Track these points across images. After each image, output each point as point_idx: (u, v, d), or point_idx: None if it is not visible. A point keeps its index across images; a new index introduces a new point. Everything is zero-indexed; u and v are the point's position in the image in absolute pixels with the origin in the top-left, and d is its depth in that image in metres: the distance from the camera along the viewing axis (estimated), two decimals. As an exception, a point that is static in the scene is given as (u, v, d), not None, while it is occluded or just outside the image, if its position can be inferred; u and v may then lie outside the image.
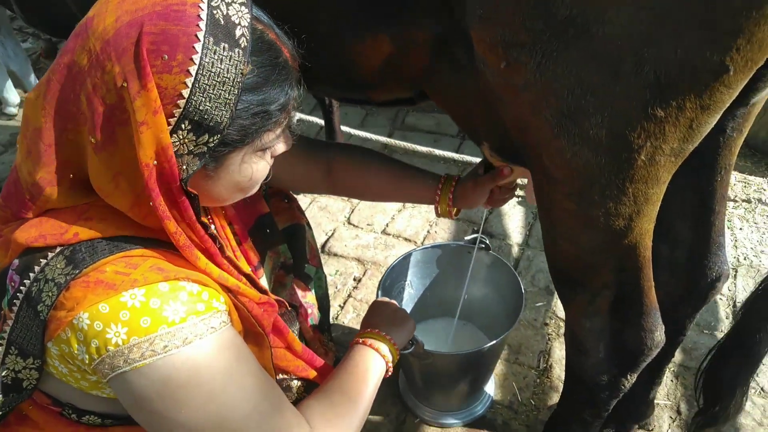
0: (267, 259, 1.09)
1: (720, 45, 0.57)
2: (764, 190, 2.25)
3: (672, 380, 1.61)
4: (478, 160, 2.27)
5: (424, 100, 1.03)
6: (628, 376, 1.00)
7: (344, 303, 1.91)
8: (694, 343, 1.70)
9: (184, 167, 0.67)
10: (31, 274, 0.68)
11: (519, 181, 1.20)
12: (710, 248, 1.06)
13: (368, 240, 2.16)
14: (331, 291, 1.88)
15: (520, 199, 2.31)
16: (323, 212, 2.31)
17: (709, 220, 1.03)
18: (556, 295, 1.88)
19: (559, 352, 1.70)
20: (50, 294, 0.67)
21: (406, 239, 2.16)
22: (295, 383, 0.96)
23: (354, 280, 2.00)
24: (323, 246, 2.14)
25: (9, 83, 2.93)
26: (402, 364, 1.57)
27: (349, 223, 2.26)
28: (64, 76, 0.67)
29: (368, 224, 2.24)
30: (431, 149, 2.29)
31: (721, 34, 0.56)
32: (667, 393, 1.58)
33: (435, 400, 1.52)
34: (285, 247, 1.12)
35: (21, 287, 0.68)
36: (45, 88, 0.68)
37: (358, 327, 1.76)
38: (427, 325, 1.68)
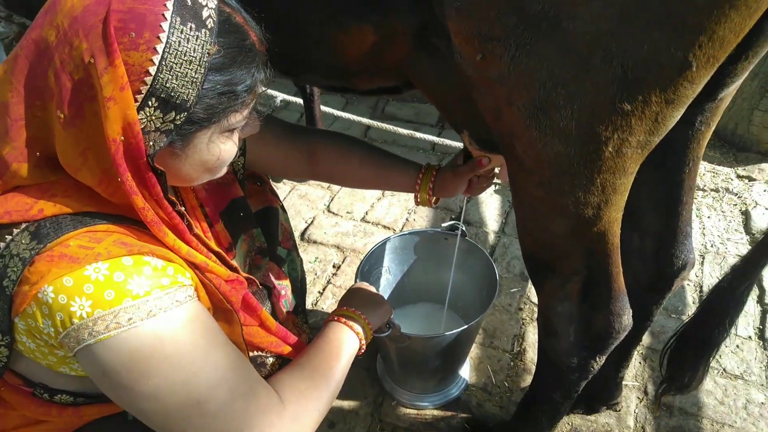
0: (241, 242, 1.09)
1: (683, 42, 0.59)
2: (731, 180, 2.33)
3: (640, 362, 1.67)
4: (456, 144, 2.30)
5: (409, 89, 1.05)
6: (597, 359, 1.04)
7: (323, 289, 1.93)
8: (662, 327, 1.76)
9: (151, 143, 0.68)
10: None
11: (496, 170, 1.23)
12: (677, 237, 1.10)
13: (348, 228, 2.18)
14: (310, 278, 1.90)
15: (496, 187, 2.34)
16: (303, 200, 2.32)
17: (677, 210, 1.07)
18: (530, 281, 1.93)
19: (532, 336, 1.75)
20: (15, 269, 0.67)
21: (385, 227, 2.18)
22: (270, 360, 0.96)
23: (333, 267, 2.02)
24: (303, 233, 2.15)
25: None
26: (379, 348, 1.60)
27: (329, 211, 2.27)
28: (32, 52, 0.67)
29: (348, 212, 2.26)
30: (411, 132, 2.31)
31: (685, 31, 0.59)
32: (635, 374, 1.63)
33: (411, 383, 1.55)
34: (259, 232, 1.13)
35: None
36: (13, 64, 0.68)
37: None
38: (404, 310, 1.71)
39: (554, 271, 0.94)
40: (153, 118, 0.66)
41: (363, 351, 1.04)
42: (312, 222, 2.21)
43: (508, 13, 0.67)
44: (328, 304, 1.87)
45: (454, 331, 1.32)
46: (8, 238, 0.69)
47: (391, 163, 1.23)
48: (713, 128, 0.98)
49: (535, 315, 1.82)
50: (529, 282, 1.93)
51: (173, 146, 0.72)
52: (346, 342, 0.98)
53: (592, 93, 0.66)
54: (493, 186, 2.35)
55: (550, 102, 0.69)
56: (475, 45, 0.73)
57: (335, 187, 2.38)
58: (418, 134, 2.34)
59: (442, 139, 2.37)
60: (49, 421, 0.84)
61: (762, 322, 1.76)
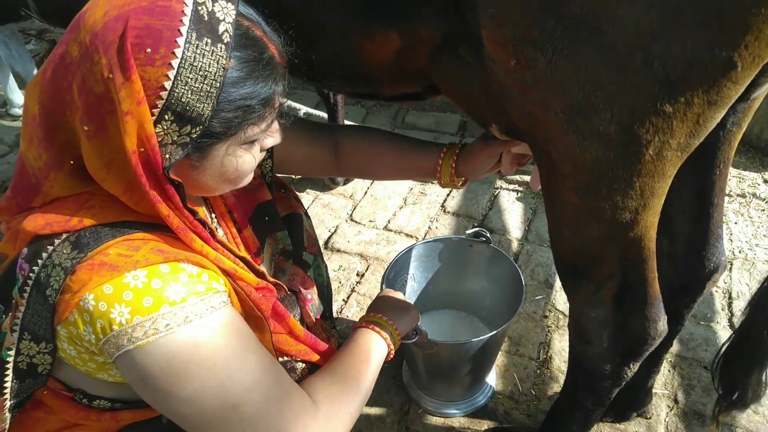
0: (266, 246, 1.11)
1: (728, 41, 0.59)
2: (758, 184, 2.29)
3: (669, 370, 1.64)
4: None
5: (432, 95, 1.05)
6: (631, 365, 1.03)
7: (348, 297, 1.93)
8: (691, 335, 1.73)
9: (167, 156, 0.69)
10: (39, 261, 0.70)
11: (528, 167, 1.17)
12: (709, 240, 1.09)
13: (370, 236, 2.18)
14: (334, 286, 1.90)
15: (519, 194, 2.33)
16: (326, 209, 2.33)
17: (708, 213, 1.05)
18: (555, 288, 1.91)
19: (558, 343, 1.73)
20: (58, 278, 0.69)
21: (407, 235, 2.18)
22: (300, 365, 0.97)
23: (357, 275, 2.02)
24: (326, 242, 2.16)
25: (13, 84, 2.94)
26: (406, 355, 1.60)
27: (352, 219, 2.28)
28: (58, 65, 0.70)
29: (370, 221, 2.26)
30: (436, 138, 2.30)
31: (730, 30, 0.58)
32: (664, 383, 1.61)
33: (438, 391, 1.54)
34: (284, 234, 1.14)
35: (30, 274, 0.71)
36: (41, 77, 0.71)
37: (361, 320, 1.78)
38: (430, 317, 1.70)
39: (588, 276, 0.93)
40: (169, 131, 0.68)
41: (392, 357, 1.04)
42: (335, 231, 2.22)
43: (545, 17, 0.67)
44: (353, 312, 1.87)
45: (482, 337, 1.31)
46: (50, 248, 0.71)
47: (414, 146, 1.20)
48: (744, 129, 0.97)
49: (561, 322, 1.80)
50: (554, 289, 1.91)
51: (190, 158, 0.73)
52: (375, 348, 0.98)
53: (632, 95, 0.66)
54: (515, 193, 2.34)
55: (588, 105, 0.69)
56: (510, 50, 0.73)
57: (357, 196, 2.39)
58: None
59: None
60: (87, 425, 0.86)
61: (795, 329, 1.73)
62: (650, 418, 1.51)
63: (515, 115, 0.82)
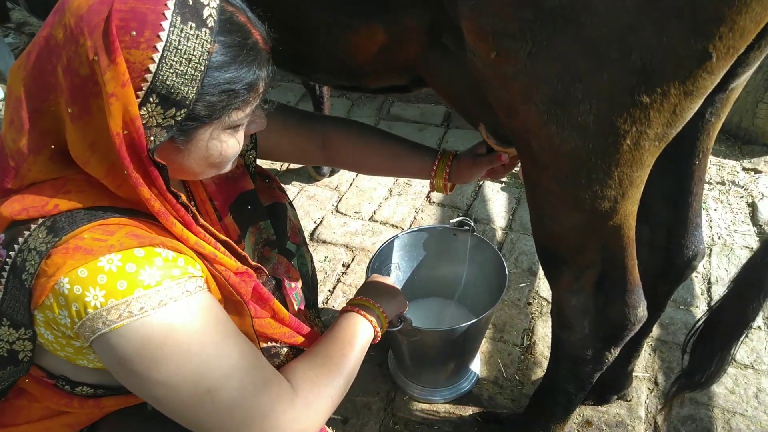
0: (249, 234, 1.11)
1: (703, 33, 0.60)
2: (737, 172, 2.33)
3: (650, 353, 1.68)
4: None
5: (418, 87, 1.05)
6: (612, 350, 1.05)
7: (333, 288, 1.94)
8: (671, 319, 1.77)
9: (152, 138, 0.70)
10: (16, 246, 0.70)
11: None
12: (688, 228, 1.11)
13: (356, 227, 2.19)
14: (320, 276, 1.91)
15: (503, 184, 2.35)
16: (311, 201, 2.32)
17: (687, 202, 1.07)
18: (538, 276, 1.94)
19: (541, 330, 1.76)
20: (33, 263, 0.69)
21: (393, 225, 2.19)
22: (284, 350, 0.97)
23: (343, 265, 2.03)
24: (312, 233, 2.16)
25: None
26: (391, 343, 1.61)
27: (337, 211, 2.28)
28: (43, 48, 0.70)
29: (356, 212, 2.26)
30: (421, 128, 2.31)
31: (705, 22, 0.59)
32: (645, 366, 1.64)
33: (423, 378, 1.56)
34: (267, 224, 1.14)
35: (7, 259, 0.71)
36: (26, 60, 0.71)
37: (347, 310, 1.79)
38: (415, 305, 1.72)
39: (569, 263, 0.95)
40: (154, 114, 0.68)
41: (378, 340, 1.04)
42: (321, 222, 2.22)
43: (523, 9, 0.68)
44: (339, 303, 1.88)
45: (464, 324, 1.33)
46: (26, 233, 0.71)
47: (406, 150, 1.23)
48: (723, 119, 0.98)
49: (544, 309, 1.83)
50: (538, 277, 1.94)
51: (175, 141, 0.74)
52: (360, 330, 0.99)
53: (610, 86, 0.67)
54: (499, 183, 2.36)
55: (567, 97, 0.70)
56: (490, 42, 0.73)
57: (343, 188, 2.39)
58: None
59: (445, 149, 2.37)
60: (71, 413, 0.86)
61: (770, 312, 1.77)
62: (630, 400, 1.54)
63: (496, 106, 0.83)
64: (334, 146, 1.22)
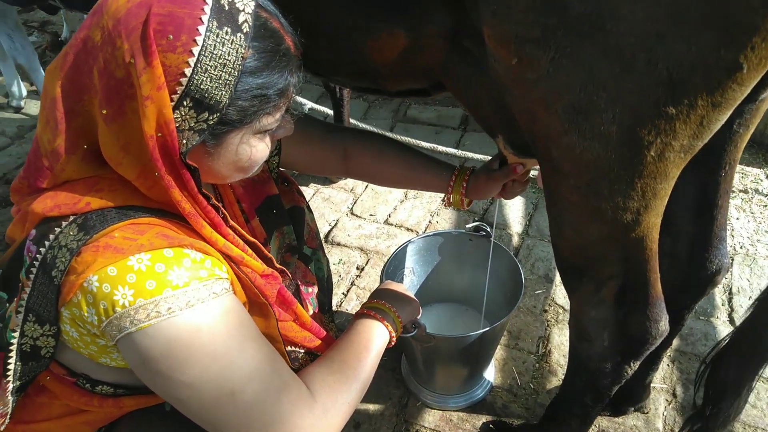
0: (273, 238, 1.11)
1: (735, 43, 0.58)
2: (761, 180, 2.28)
3: (668, 365, 1.64)
4: (476, 156, 2.29)
5: (438, 91, 1.04)
6: (631, 364, 1.02)
7: (347, 291, 1.93)
8: (690, 329, 1.74)
9: (184, 141, 0.70)
10: (47, 242, 0.71)
11: (532, 173, 1.22)
12: (712, 242, 1.08)
13: (371, 230, 2.18)
14: (334, 279, 1.90)
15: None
16: (326, 203, 2.32)
17: (712, 214, 1.05)
18: (554, 283, 1.91)
19: (557, 337, 1.73)
20: (63, 260, 0.70)
21: (408, 229, 2.18)
22: (301, 353, 0.98)
23: (357, 268, 2.02)
24: (327, 236, 2.16)
25: (16, 76, 2.92)
26: (404, 349, 1.60)
27: (352, 213, 2.27)
28: (80, 50, 0.71)
29: (371, 215, 2.26)
30: (434, 145, 2.31)
31: (737, 32, 0.57)
32: (663, 377, 1.61)
33: (436, 384, 1.55)
34: (290, 229, 1.15)
35: (37, 255, 0.72)
36: (62, 61, 0.72)
37: (361, 314, 1.78)
38: (429, 310, 1.70)
39: (589, 275, 0.93)
40: (187, 117, 0.69)
41: (393, 344, 1.03)
42: (336, 224, 2.22)
43: (547, 15, 0.66)
44: (353, 306, 1.87)
45: (479, 331, 1.31)
46: (57, 230, 0.72)
47: (424, 165, 1.24)
48: (752, 130, 0.96)
49: (560, 317, 1.80)
50: (554, 284, 1.91)
51: (206, 145, 0.74)
52: (376, 334, 0.98)
53: (635, 96, 0.65)
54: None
55: (590, 105, 0.68)
56: (511, 48, 0.72)
57: (358, 190, 2.38)
58: (441, 147, 2.34)
59: (462, 152, 2.36)
60: (90, 411, 0.87)
61: (794, 325, 1.73)
62: (648, 412, 1.51)
63: (517, 113, 0.81)
64: (353, 158, 1.22)
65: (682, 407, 1.53)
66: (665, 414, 1.52)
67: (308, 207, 1.29)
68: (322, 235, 2.14)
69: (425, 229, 2.17)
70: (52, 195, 0.74)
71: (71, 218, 0.72)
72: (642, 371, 1.37)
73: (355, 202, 2.32)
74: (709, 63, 0.60)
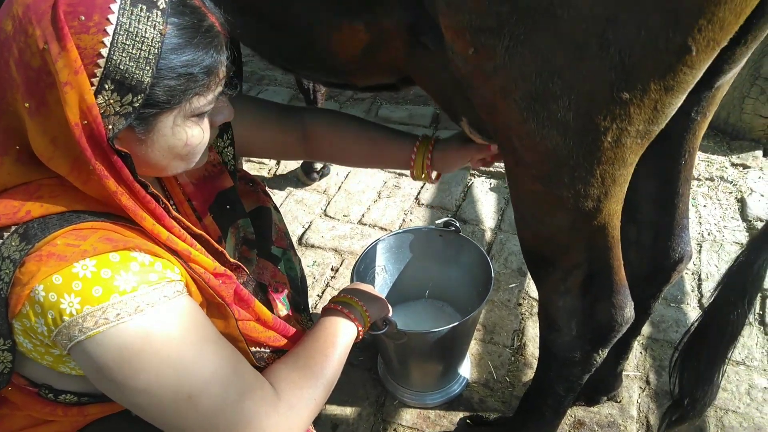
0: (229, 235, 1.09)
1: (682, 25, 0.58)
2: (726, 168, 2.33)
3: (641, 352, 1.66)
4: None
5: (407, 86, 1.04)
6: (600, 352, 1.03)
7: (322, 293, 1.91)
8: (662, 316, 1.76)
9: (110, 127, 0.68)
10: None
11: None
12: (674, 230, 1.10)
13: (344, 230, 2.16)
14: (309, 282, 1.89)
15: (492, 184, 2.34)
16: (299, 205, 2.30)
17: (674, 203, 1.06)
18: (528, 276, 1.92)
19: (532, 330, 1.74)
20: (7, 271, 0.67)
21: (382, 228, 2.17)
22: (267, 352, 0.95)
23: (331, 269, 2.01)
24: (300, 238, 2.14)
25: None
26: (379, 348, 1.59)
27: (326, 214, 2.26)
28: None
29: (344, 215, 2.24)
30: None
31: (683, 14, 0.58)
32: (636, 365, 1.63)
33: (412, 382, 1.54)
34: (246, 221, 1.11)
35: None
36: None
37: (335, 314, 1.76)
38: (403, 307, 1.70)
39: (555, 265, 0.93)
40: (111, 101, 0.67)
41: (360, 338, 1.02)
42: (309, 226, 2.20)
43: (500, 3, 0.66)
44: (327, 306, 1.85)
45: (449, 326, 1.31)
46: None
47: (386, 138, 1.20)
48: (710, 118, 0.97)
49: (534, 310, 1.81)
50: (527, 277, 1.92)
51: (136, 131, 0.72)
52: (343, 329, 0.97)
53: (589, 82, 0.65)
54: (488, 183, 2.34)
55: (546, 93, 0.68)
56: (467, 38, 0.72)
57: (331, 191, 2.37)
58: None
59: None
60: (55, 421, 0.84)
61: (762, 307, 1.76)
62: (621, 401, 1.52)
63: (477, 104, 0.81)
64: (313, 137, 1.19)
65: (656, 394, 1.55)
66: (639, 401, 1.54)
67: (275, 207, 1.27)
68: (295, 238, 2.12)
69: (399, 228, 2.16)
70: None
71: (12, 229, 0.69)
72: (613, 360, 1.39)
73: (328, 204, 2.30)
74: (659, 46, 0.60)
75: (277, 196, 2.32)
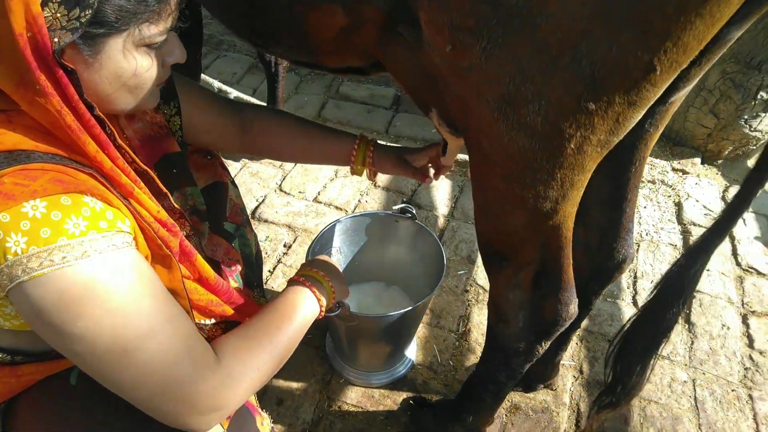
0: (174, 199, 1.07)
1: (650, 46, 0.62)
2: (667, 172, 2.45)
3: (577, 343, 1.75)
4: (408, 131, 2.29)
5: (377, 71, 1.03)
6: (543, 344, 1.09)
7: (274, 268, 1.91)
8: (598, 311, 1.86)
9: (56, 40, 0.66)
10: None
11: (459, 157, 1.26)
12: (620, 233, 1.16)
13: (299, 207, 2.15)
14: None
15: (448, 172, 2.37)
16: (254, 178, 2.27)
17: (622, 207, 1.11)
18: (476, 264, 1.98)
19: (477, 317, 1.80)
20: None
21: (337, 207, 2.17)
22: (209, 325, 0.94)
23: (284, 246, 2.00)
24: (254, 212, 2.11)
25: None
26: (329, 327, 1.61)
27: (281, 190, 2.24)
28: None
29: (300, 192, 2.23)
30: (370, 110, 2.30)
31: (653, 36, 0.61)
32: (571, 355, 1.72)
33: (360, 361, 1.57)
34: (196, 191, 1.09)
35: None
36: None
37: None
38: (356, 289, 1.72)
39: (509, 260, 0.97)
40: (58, 15, 0.65)
41: (322, 316, 1.03)
42: (263, 201, 2.17)
43: (481, 4, 0.67)
44: (278, 283, 1.85)
45: (401, 311, 1.34)
46: None
47: (324, 135, 1.24)
48: (661, 130, 1.02)
49: (481, 297, 1.87)
50: (476, 265, 1.98)
51: (83, 53, 0.70)
52: (304, 304, 0.97)
53: (559, 90, 0.68)
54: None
55: (518, 96, 0.70)
56: (446, 35, 0.73)
57: (288, 166, 2.34)
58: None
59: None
60: None
61: (688, 306, 1.89)
62: (556, 389, 1.61)
63: (450, 100, 0.83)
64: (252, 132, 1.20)
65: (588, 383, 1.65)
66: (572, 389, 1.63)
67: (232, 182, 1.25)
68: (249, 212, 2.09)
69: (354, 209, 2.17)
70: None
71: None
72: (551, 351, 1.46)
73: (284, 179, 2.28)
74: (628, 63, 0.64)
75: (231, 167, 2.28)
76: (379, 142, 1.26)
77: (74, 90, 0.69)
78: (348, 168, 1.28)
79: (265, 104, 2.28)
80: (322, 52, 0.99)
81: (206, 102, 1.14)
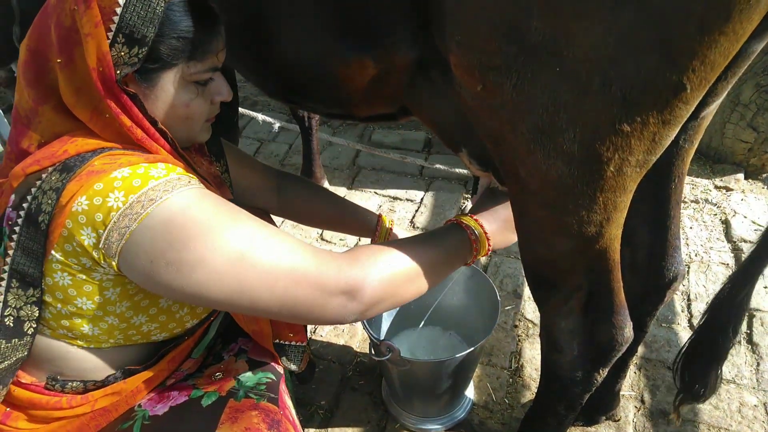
0: None
1: (678, 66, 0.63)
2: (710, 190, 2.41)
3: (635, 372, 1.70)
4: (442, 167, 2.32)
5: (407, 116, 1.08)
6: (600, 371, 1.06)
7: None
8: (654, 337, 1.80)
9: (118, 72, 0.78)
10: (29, 197, 0.78)
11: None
12: (667, 250, 1.15)
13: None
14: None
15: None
16: (296, 230, 2.32)
17: (666, 225, 1.11)
18: (523, 298, 1.96)
19: (529, 352, 1.77)
20: (49, 201, 0.76)
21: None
22: None
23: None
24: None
25: None
26: (383, 372, 1.61)
27: (322, 239, 2.29)
28: (41, 14, 0.83)
29: (340, 239, 2.27)
30: (402, 156, 2.37)
31: (679, 56, 0.63)
32: (631, 384, 1.66)
33: (415, 407, 1.56)
34: None
35: (20, 213, 0.77)
36: (30, 30, 0.84)
37: (333, 341, 1.79)
38: (411, 334, 1.72)
39: (557, 287, 0.97)
40: (122, 53, 0.78)
41: (472, 262, 1.06)
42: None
43: (508, 44, 0.70)
44: (326, 331, 1.87)
45: (457, 356, 1.33)
46: (38, 182, 0.78)
47: (352, 210, 1.37)
48: (696, 145, 1.03)
49: (531, 331, 1.84)
50: (523, 299, 1.96)
51: (140, 85, 0.83)
52: (456, 249, 1.02)
53: (593, 116, 0.70)
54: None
55: (553, 126, 0.72)
56: (476, 76, 0.76)
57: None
58: (409, 158, 2.39)
59: (430, 164, 2.41)
60: (61, 419, 0.90)
61: (749, 326, 1.82)
62: (619, 420, 1.55)
63: (483, 136, 0.85)
64: (286, 193, 1.31)
65: (651, 413, 1.59)
66: (635, 420, 1.57)
67: None
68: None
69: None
70: (30, 156, 0.81)
71: (50, 169, 0.79)
72: (611, 379, 1.42)
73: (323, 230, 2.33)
74: (657, 84, 0.65)
75: (276, 216, 2.34)
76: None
77: (138, 110, 0.82)
78: (388, 209, 1.36)
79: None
80: (352, 103, 1.05)
81: (246, 159, 1.26)
